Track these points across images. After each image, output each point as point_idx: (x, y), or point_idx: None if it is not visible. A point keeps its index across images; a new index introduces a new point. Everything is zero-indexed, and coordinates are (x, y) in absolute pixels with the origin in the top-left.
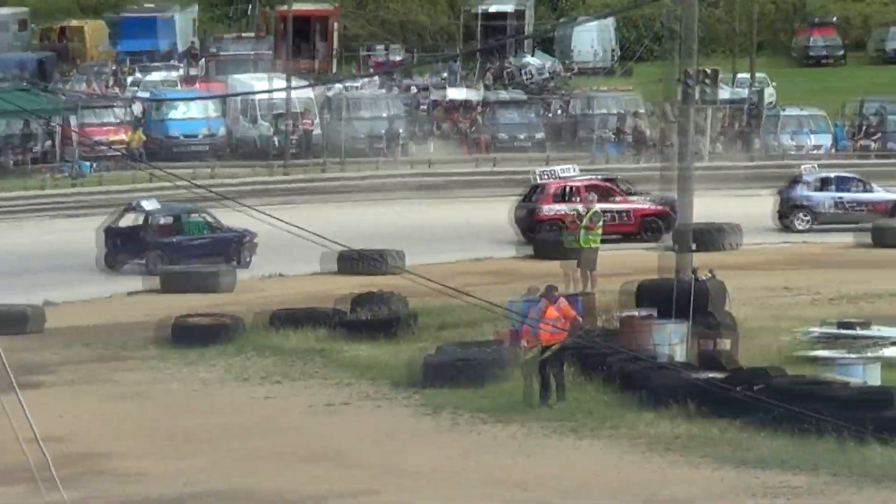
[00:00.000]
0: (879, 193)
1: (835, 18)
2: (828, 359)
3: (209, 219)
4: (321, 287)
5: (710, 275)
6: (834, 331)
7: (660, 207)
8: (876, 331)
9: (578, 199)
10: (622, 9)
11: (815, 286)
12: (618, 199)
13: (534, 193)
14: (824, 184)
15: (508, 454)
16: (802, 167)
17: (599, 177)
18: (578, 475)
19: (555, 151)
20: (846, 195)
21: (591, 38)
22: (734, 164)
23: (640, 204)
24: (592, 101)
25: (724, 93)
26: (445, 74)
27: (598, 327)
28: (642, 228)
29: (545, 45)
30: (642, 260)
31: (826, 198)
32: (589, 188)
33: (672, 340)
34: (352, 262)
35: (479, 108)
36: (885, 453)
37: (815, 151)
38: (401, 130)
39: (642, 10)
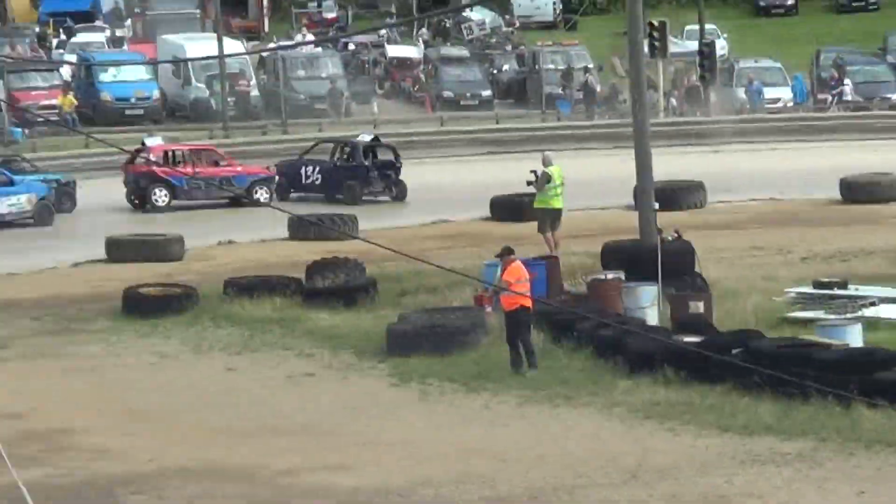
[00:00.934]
0: None
1: None
2: (808, 320)
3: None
4: (273, 254)
5: (675, 235)
6: (811, 291)
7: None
8: (853, 290)
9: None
10: None
11: (786, 245)
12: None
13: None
14: None
15: (483, 425)
16: None
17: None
18: (557, 446)
19: (503, 109)
20: None
21: None
22: (690, 119)
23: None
24: (539, 57)
25: (675, 46)
26: (384, 32)
27: (565, 291)
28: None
29: None
30: (607, 220)
31: None
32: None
33: (643, 303)
34: (303, 227)
35: (421, 66)
36: (872, 417)
37: (772, 105)
38: (344, 91)
39: None
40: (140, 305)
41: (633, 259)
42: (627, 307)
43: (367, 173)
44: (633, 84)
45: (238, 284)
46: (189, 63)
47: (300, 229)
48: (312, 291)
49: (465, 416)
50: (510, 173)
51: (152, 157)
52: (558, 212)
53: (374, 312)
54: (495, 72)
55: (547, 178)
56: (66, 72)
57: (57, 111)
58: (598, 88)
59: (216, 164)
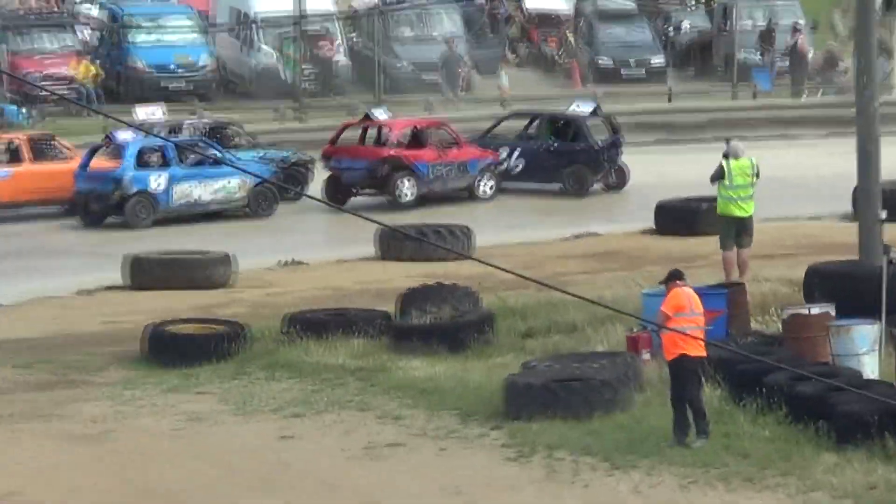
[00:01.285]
0: None
1: None
2: None
3: None
4: (356, 278)
5: None
6: None
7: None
8: None
9: None
10: None
11: None
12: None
13: None
14: None
15: None
16: None
17: None
18: None
19: (680, 83)
20: None
21: None
22: None
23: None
24: (732, 11)
25: None
26: None
27: (753, 331)
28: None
29: None
30: (814, 233)
31: None
32: None
33: (859, 349)
34: (400, 242)
35: (570, 24)
36: None
37: None
38: (464, 56)
39: None
40: (167, 349)
41: (847, 287)
42: (837, 353)
43: (598, 156)
44: (859, 48)
45: (303, 321)
46: (257, 20)
47: (393, 245)
48: (405, 330)
49: (607, 503)
50: (685, 168)
51: (393, 137)
52: (742, 222)
53: (489, 359)
54: (671, 31)
55: (720, 174)
56: (86, 31)
57: (69, 83)
58: (811, 54)
59: (450, 145)
